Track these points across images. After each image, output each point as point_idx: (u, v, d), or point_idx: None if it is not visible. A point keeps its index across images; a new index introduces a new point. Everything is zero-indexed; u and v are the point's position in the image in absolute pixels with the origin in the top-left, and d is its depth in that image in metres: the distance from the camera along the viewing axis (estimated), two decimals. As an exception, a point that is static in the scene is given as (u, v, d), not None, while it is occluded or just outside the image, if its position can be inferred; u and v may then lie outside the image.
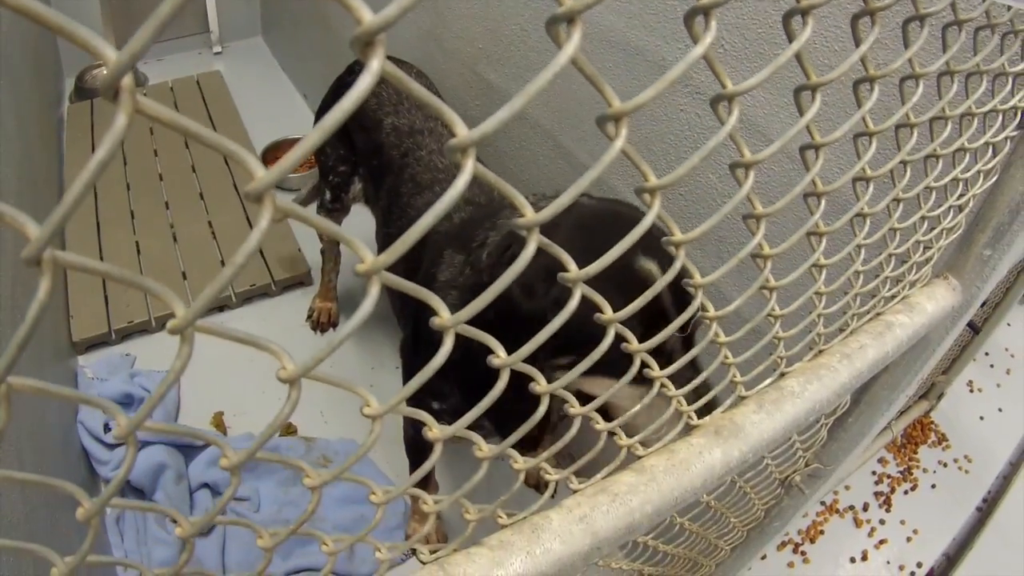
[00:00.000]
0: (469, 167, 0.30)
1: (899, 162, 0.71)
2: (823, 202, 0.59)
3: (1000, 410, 2.86)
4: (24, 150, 2.76)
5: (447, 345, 0.37)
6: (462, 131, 0.30)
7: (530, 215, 0.34)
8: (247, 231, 3.21)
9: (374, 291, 0.31)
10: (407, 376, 1.91)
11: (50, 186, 3.28)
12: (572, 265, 0.40)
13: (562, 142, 2.06)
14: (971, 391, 2.94)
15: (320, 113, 2.55)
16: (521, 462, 0.53)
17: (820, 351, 0.81)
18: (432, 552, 0.54)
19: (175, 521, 0.42)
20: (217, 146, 0.26)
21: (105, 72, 0.24)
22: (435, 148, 2.06)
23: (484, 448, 0.48)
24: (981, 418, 2.83)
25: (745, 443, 0.67)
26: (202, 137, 0.26)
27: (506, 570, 0.52)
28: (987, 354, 3.03)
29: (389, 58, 0.28)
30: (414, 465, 2.15)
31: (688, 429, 0.67)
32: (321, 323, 3.02)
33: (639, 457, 0.63)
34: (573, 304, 0.42)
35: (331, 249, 2.89)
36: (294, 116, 4.15)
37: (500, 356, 0.42)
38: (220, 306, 3.02)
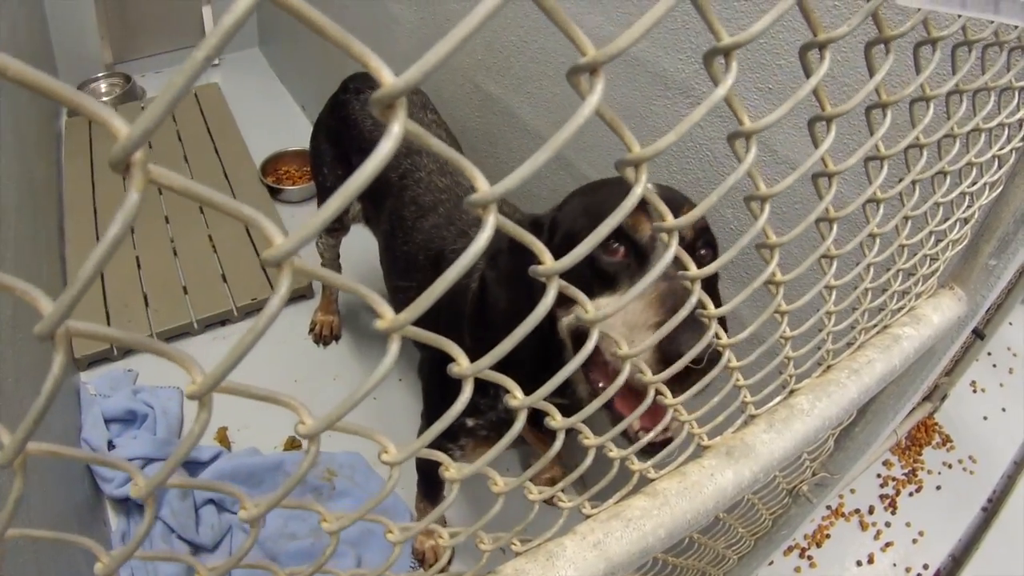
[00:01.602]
0: (491, 223, 0.30)
1: (909, 182, 0.71)
2: (835, 227, 0.59)
3: (1004, 410, 2.86)
4: (23, 164, 2.76)
5: (466, 392, 0.37)
6: (483, 186, 0.30)
7: (549, 263, 0.34)
8: (247, 244, 3.24)
9: (394, 348, 0.31)
10: (427, 398, 1.89)
11: (49, 199, 3.27)
12: (590, 305, 0.40)
13: (564, 153, 2.06)
14: (974, 391, 2.93)
15: (316, 128, 2.54)
16: (536, 492, 0.53)
17: (829, 367, 0.81)
18: None
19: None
20: (235, 213, 0.26)
21: (115, 146, 0.23)
22: (433, 168, 2.05)
23: (500, 483, 0.48)
24: (985, 418, 2.83)
25: (756, 463, 0.67)
26: (217, 204, 0.26)
27: (522, 600, 0.52)
28: (989, 354, 3.03)
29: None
30: (424, 479, 2.14)
31: (700, 450, 0.67)
32: (323, 336, 3.01)
33: (651, 480, 0.63)
34: (549, 300, 0.40)
35: (332, 264, 2.87)
36: (292, 128, 4.14)
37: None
38: (222, 320, 3.02)
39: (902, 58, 0.59)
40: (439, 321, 1.50)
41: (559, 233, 1.32)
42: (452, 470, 0.43)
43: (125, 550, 0.33)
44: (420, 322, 0.32)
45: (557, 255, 0.37)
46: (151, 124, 0.22)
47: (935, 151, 0.76)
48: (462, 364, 0.36)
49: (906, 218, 0.77)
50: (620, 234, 1.21)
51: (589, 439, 0.52)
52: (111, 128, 0.23)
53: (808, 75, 0.44)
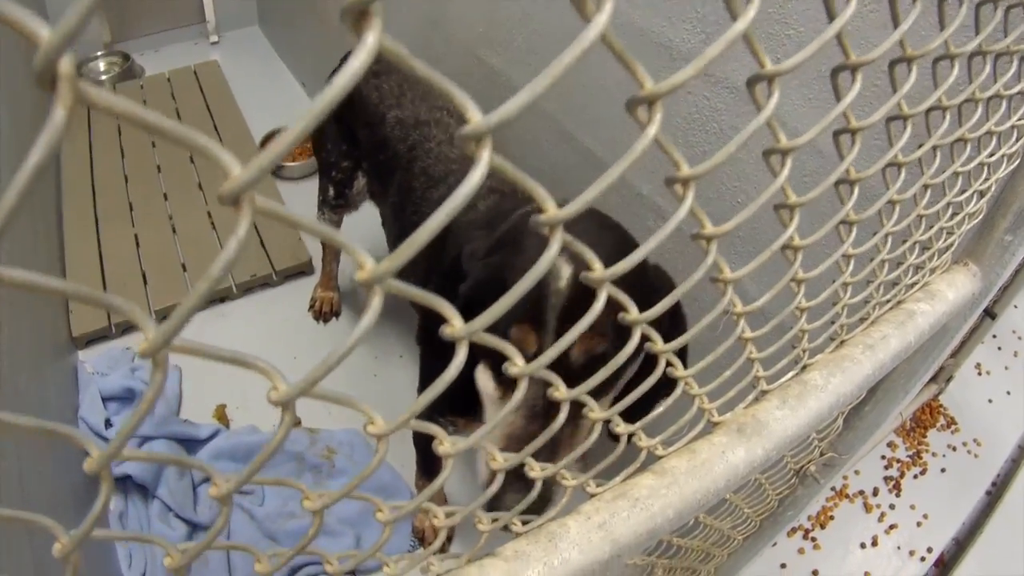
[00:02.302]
0: (485, 159, 0.26)
1: (930, 147, 0.68)
2: (856, 190, 0.56)
3: (1008, 393, 2.85)
4: (19, 141, 2.72)
5: (460, 356, 0.33)
6: (476, 116, 0.26)
7: (552, 211, 0.31)
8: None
9: (376, 303, 0.27)
10: (422, 366, 1.87)
11: (46, 177, 3.24)
12: (597, 264, 0.37)
13: (566, 127, 2.02)
14: (979, 374, 2.92)
15: (320, 101, 2.51)
16: (538, 470, 0.49)
17: (842, 342, 0.78)
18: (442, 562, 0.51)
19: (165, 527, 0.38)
20: (185, 140, 0.23)
21: (37, 55, 0.20)
22: (444, 139, 2.01)
23: (499, 459, 0.45)
24: (990, 401, 2.82)
25: (769, 441, 0.64)
26: (165, 129, 0.22)
27: (522, 583, 0.48)
28: (995, 336, 3.01)
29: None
30: (422, 456, 2.12)
31: (709, 427, 0.64)
32: (323, 313, 2.98)
33: (659, 458, 0.60)
34: (553, 251, 0.37)
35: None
36: (293, 105, 4.11)
37: (518, 364, 0.38)
38: (221, 297, 3.00)
39: (918, 26, 0.55)
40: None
41: (472, 280, 1.30)
42: (446, 444, 0.40)
43: (80, 532, 0.30)
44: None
45: (468, 302, 0.34)
46: (75, 25, 0.18)
47: (955, 117, 0.73)
48: (455, 325, 0.32)
49: (925, 186, 0.73)
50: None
51: (594, 412, 0.49)
52: (29, 34, 0.19)
53: (832, 18, 0.40)
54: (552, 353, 0.39)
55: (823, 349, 0.77)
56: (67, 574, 0.32)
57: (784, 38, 1.36)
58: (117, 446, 0.27)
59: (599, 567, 0.52)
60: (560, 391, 0.45)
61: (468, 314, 0.32)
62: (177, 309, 0.24)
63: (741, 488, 1.16)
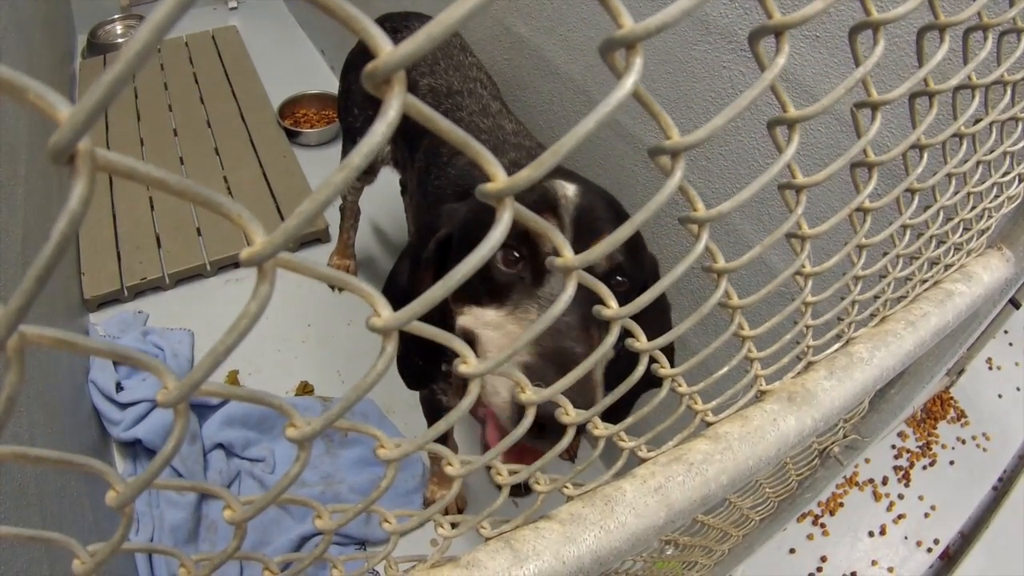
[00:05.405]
0: (637, 65, 0.26)
1: (987, 123, 0.67)
2: (925, 156, 0.55)
3: (1018, 389, 2.86)
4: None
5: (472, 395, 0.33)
6: (628, 22, 0.25)
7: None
8: (263, 186, 3.21)
9: (389, 349, 0.27)
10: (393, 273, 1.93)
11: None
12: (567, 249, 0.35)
13: (595, 97, 2.00)
14: (990, 368, 2.92)
15: (347, 68, 2.52)
16: (602, 428, 0.49)
17: (884, 318, 0.78)
18: (452, 525, 0.51)
19: (212, 496, 0.38)
20: (209, 202, 0.23)
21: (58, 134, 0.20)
22: (476, 109, 2.01)
23: (571, 413, 0.44)
24: (1000, 396, 2.82)
25: (818, 410, 0.63)
26: (193, 194, 0.23)
27: (578, 547, 0.48)
28: (1006, 332, 3.00)
29: (412, 14, 0.23)
30: (430, 419, 2.12)
31: (758, 395, 0.63)
32: (339, 280, 2.97)
33: (709, 424, 0.59)
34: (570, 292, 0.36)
35: (352, 208, 2.84)
36: (311, 71, 4.11)
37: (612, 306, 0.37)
38: (235, 263, 2.98)
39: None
40: None
41: (459, 221, 1.32)
42: (455, 464, 0.39)
43: (143, 478, 0.29)
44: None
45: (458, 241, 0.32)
46: (96, 105, 0.18)
47: (1011, 96, 0.72)
48: (470, 362, 0.31)
49: (978, 163, 0.73)
50: (525, 239, 1.16)
51: (666, 370, 0.48)
52: (54, 115, 0.20)
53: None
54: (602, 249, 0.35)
55: (865, 325, 0.77)
56: (122, 525, 0.31)
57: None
58: (200, 376, 0.26)
59: (653, 532, 0.52)
60: (611, 306, 0.40)
61: (462, 249, 0.31)
62: (298, 209, 0.23)
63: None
